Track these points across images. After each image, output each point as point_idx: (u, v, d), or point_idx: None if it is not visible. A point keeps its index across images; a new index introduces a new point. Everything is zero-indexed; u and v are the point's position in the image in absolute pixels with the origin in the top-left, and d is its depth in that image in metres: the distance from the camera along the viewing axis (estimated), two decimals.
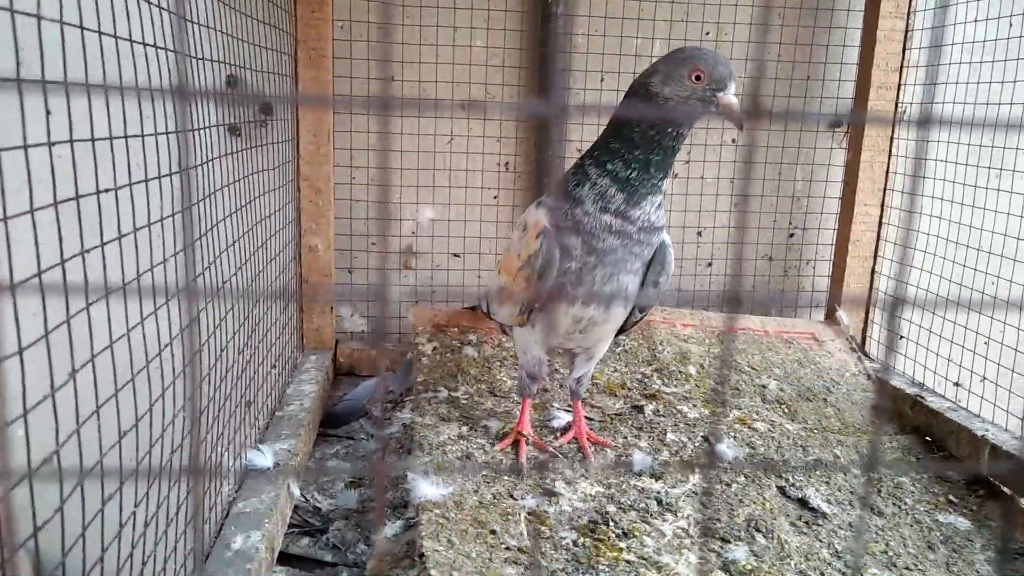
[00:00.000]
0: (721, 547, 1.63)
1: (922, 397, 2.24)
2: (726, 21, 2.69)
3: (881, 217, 2.60)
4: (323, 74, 2.35)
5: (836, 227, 2.74)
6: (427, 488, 1.64)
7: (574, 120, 2.69)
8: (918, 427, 2.22)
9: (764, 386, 2.36)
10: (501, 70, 2.64)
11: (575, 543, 1.59)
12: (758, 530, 1.70)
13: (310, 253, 2.46)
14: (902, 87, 2.51)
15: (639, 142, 1.56)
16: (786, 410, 2.28)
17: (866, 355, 2.62)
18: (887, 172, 2.57)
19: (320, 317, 2.52)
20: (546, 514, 1.69)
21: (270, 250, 2.08)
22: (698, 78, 1.51)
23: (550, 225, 1.63)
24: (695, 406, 2.22)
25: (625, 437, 2.05)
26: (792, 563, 1.60)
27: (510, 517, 1.65)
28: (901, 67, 2.50)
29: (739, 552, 1.61)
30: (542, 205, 1.72)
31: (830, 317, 2.72)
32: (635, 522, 1.68)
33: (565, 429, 2.00)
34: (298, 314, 2.49)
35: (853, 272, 2.64)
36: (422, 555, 1.40)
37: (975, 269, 2.23)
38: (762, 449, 2.03)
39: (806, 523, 1.76)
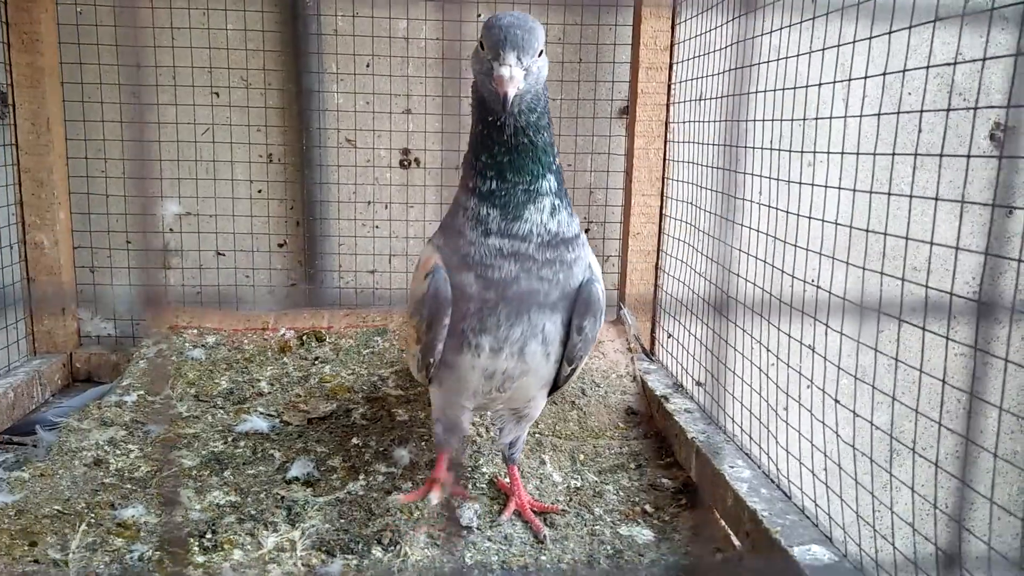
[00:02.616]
0: (324, 560, 1.44)
1: (667, 399, 2.03)
2: (503, 1, 2.52)
3: (662, 209, 2.41)
4: (38, 59, 2.20)
5: (621, 220, 2.55)
6: None
7: (340, 107, 2.53)
8: (660, 431, 2.02)
9: None
10: (260, 54, 2.48)
11: (141, 557, 1.40)
12: (379, 542, 1.50)
13: (35, 250, 2.30)
14: (674, 66, 2.32)
15: (480, 144, 1.32)
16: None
17: (649, 356, 2.42)
18: (664, 160, 2.38)
19: (51, 319, 2.35)
20: (142, 525, 1.51)
21: None
22: (482, 46, 1.26)
23: (442, 263, 1.36)
24: (412, 409, 2.02)
25: (306, 442, 1.86)
26: None
27: (77, 527, 1.46)
28: (672, 44, 2.32)
29: (335, 567, 1.41)
30: (431, 242, 1.45)
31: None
32: (239, 534, 1.49)
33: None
34: (27, 316, 2.33)
35: (636, 268, 2.44)
36: None
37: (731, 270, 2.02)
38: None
39: (447, 535, 1.55)
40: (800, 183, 1.67)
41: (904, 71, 1.35)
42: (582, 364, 1.51)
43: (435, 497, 1.60)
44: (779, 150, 1.73)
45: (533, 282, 1.33)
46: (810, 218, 1.62)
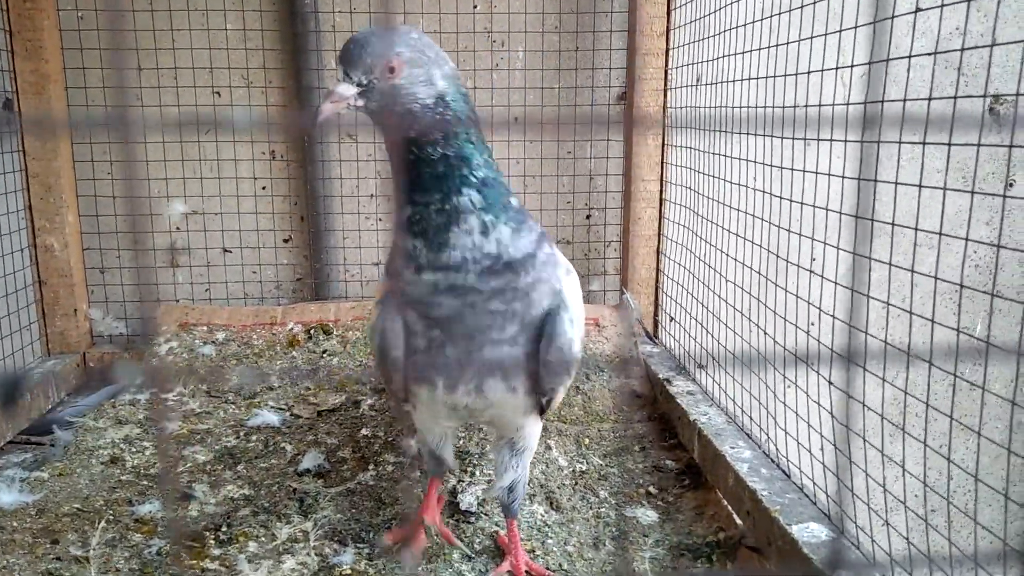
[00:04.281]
0: (336, 550, 1.48)
1: (669, 382, 2.07)
2: None
3: (661, 194, 2.43)
4: (42, 65, 2.24)
5: (622, 206, 2.57)
6: (3, 496, 1.52)
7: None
8: (663, 414, 2.05)
9: None
10: (260, 53, 2.51)
11: (159, 552, 1.45)
12: (390, 531, 1.54)
13: (46, 253, 2.34)
14: (670, 51, 2.34)
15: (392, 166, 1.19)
16: None
17: (652, 339, 2.45)
18: (662, 145, 2.40)
19: (63, 320, 2.40)
20: (159, 520, 1.55)
21: None
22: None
23: (392, 291, 1.25)
24: None
25: (316, 435, 1.90)
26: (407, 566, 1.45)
27: (97, 524, 1.51)
28: (667, 30, 2.33)
29: (347, 556, 1.46)
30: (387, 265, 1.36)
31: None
32: (253, 527, 1.53)
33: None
34: (40, 318, 2.38)
35: (637, 252, 2.47)
36: None
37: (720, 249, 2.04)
38: (460, 443, 1.87)
39: (455, 522, 1.60)
40: (792, 169, 1.69)
41: (885, 58, 1.37)
42: (559, 395, 1.36)
43: (411, 556, 1.46)
44: (772, 136, 1.75)
45: (481, 318, 1.18)
46: (802, 203, 1.64)
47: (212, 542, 1.48)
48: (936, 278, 1.26)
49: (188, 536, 1.50)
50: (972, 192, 1.25)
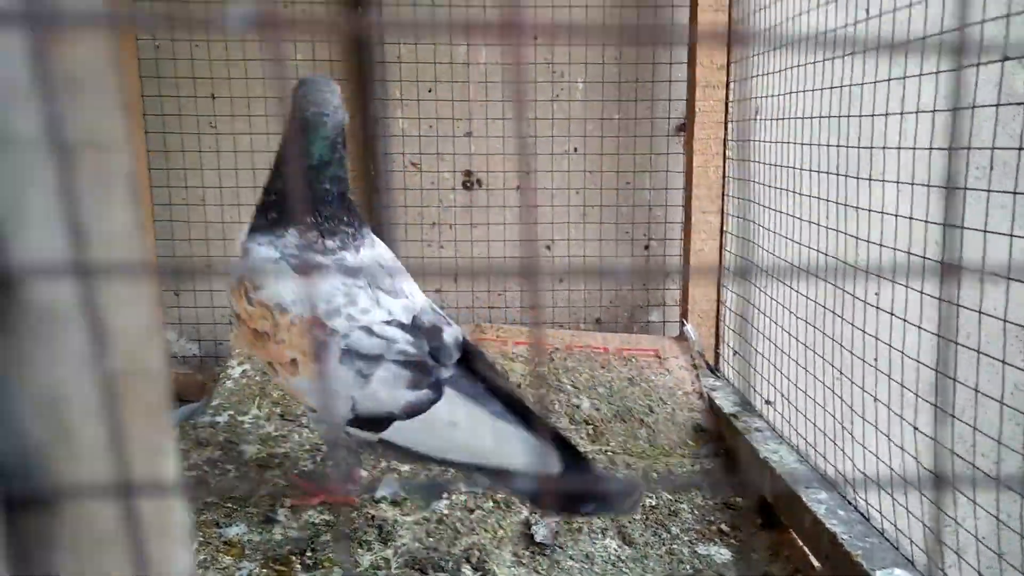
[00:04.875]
0: None
1: (736, 417, 2.08)
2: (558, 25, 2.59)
3: (722, 226, 2.45)
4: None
5: (682, 238, 2.60)
6: None
7: (405, 132, 2.62)
8: (730, 449, 2.07)
9: (577, 406, 2.22)
10: None
11: (249, 574, 1.49)
12: (468, 561, 1.58)
13: None
14: (730, 84, 2.37)
15: None
16: (591, 432, 2.14)
17: (714, 372, 2.47)
18: (723, 177, 2.42)
19: None
20: (246, 543, 1.60)
21: None
22: None
23: None
24: None
25: (388, 461, 1.95)
26: None
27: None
28: (728, 63, 2.36)
29: None
30: None
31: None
32: (334, 553, 1.58)
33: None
34: None
35: (698, 284, 2.49)
36: None
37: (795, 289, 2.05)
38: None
39: (531, 554, 1.63)
40: (857, 207, 1.71)
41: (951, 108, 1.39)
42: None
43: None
44: (838, 175, 1.77)
45: None
46: (868, 241, 1.66)
47: (298, 567, 1.53)
48: (1005, 321, 1.28)
49: (274, 560, 1.54)
50: None
